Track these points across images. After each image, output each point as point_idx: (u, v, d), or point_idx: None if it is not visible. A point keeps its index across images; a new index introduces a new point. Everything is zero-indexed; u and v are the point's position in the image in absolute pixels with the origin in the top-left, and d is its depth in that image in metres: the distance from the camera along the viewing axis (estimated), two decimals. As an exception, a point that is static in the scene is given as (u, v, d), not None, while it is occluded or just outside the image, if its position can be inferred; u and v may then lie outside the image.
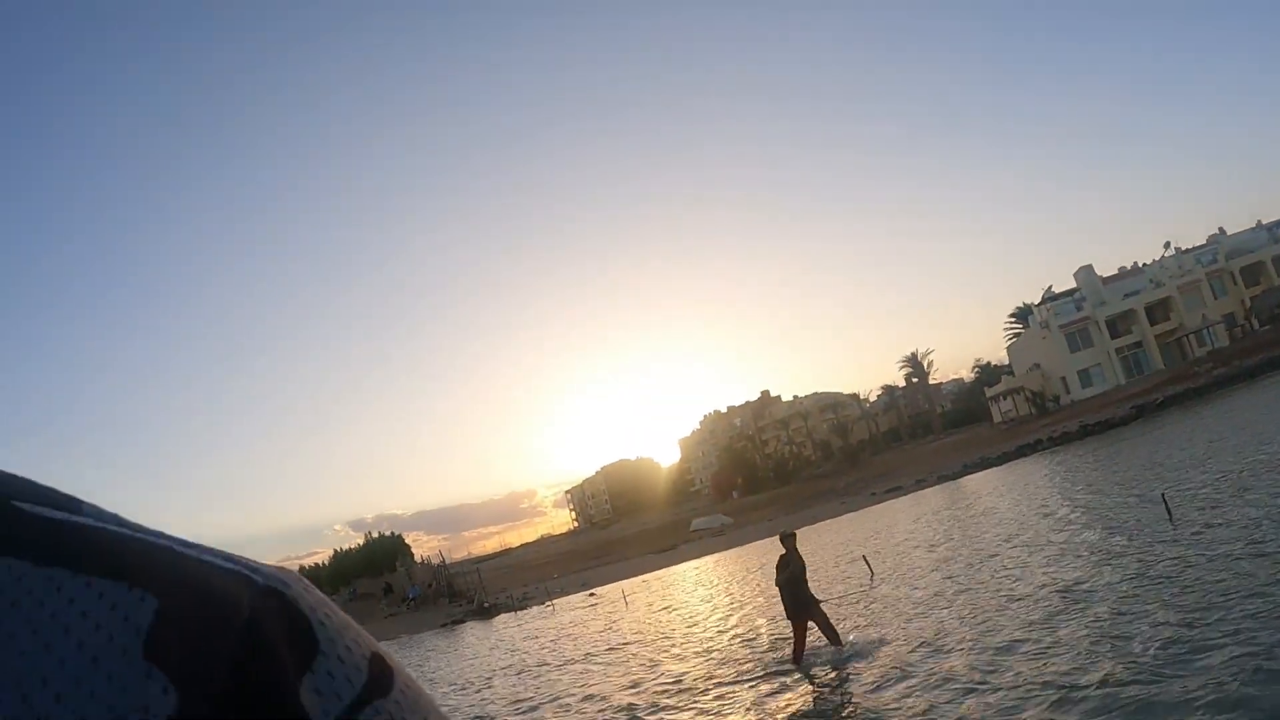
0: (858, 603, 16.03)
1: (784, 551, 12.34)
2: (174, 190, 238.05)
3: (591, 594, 43.14)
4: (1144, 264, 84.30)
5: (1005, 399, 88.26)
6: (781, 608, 12.58)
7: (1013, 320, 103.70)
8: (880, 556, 21.61)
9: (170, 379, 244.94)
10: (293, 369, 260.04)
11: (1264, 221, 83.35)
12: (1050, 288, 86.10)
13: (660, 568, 50.96)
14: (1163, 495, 16.09)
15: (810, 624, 12.08)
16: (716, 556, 48.89)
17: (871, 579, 18.34)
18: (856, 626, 13.46)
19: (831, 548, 29.84)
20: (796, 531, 13.26)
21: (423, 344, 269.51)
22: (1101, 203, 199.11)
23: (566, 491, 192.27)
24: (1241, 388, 48.39)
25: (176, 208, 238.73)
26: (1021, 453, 58.04)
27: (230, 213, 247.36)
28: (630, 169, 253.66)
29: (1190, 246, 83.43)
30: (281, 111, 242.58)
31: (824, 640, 12.11)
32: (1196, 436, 29.45)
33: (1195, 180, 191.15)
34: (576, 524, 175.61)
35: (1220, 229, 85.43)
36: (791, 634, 12.23)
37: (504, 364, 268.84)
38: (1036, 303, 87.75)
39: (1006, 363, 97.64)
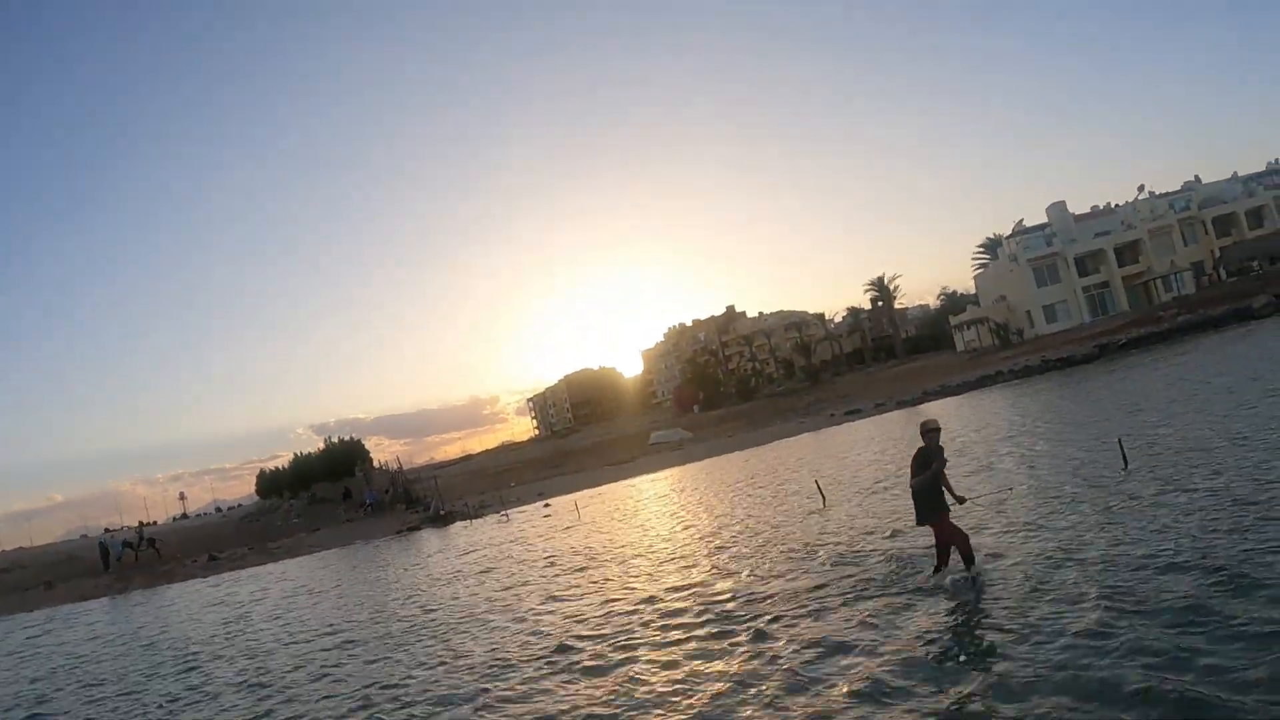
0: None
1: (922, 445, 10.51)
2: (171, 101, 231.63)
3: (546, 504, 43.27)
4: (1117, 205, 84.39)
5: (969, 328, 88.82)
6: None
7: (982, 251, 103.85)
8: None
9: (148, 279, 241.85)
10: (263, 271, 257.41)
11: (1240, 174, 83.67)
12: (1021, 221, 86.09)
13: (617, 480, 51.18)
14: (1119, 440, 16.17)
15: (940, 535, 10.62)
16: (678, 470, 49.08)
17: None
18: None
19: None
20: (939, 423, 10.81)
21: (392, 250, 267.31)
22: (1080, 141, 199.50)
23: (529, 399, 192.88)
24: (1204, 336, 48.79)
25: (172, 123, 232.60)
26: (982, 383, 58.48)
27: (213, 121, 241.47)
28: (605, 79, 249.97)
29: (1165, 192, 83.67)
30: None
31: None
32: (1156, 380, 29.68)
33: (1175, 127, 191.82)
34: (538, 431, 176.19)
35: (1196, 177, 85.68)
36: (935, 543, 10.83)
37: (472, 269, 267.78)
38: (1007, 235, 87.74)
39: (973, 292, 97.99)
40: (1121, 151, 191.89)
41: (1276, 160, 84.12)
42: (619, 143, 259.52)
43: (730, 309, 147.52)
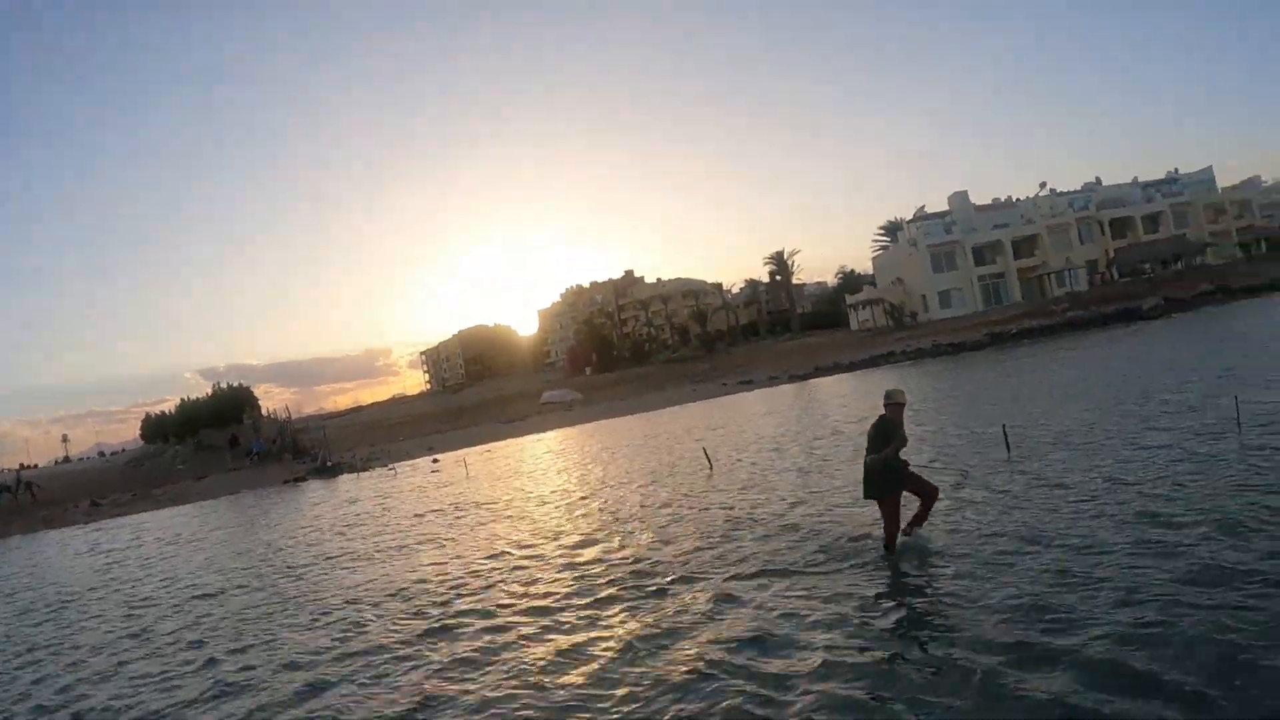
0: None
1: (884, 415, 9.58)
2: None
3: (435, 460, 42.57)
4: (1018, 199, 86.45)
5: (865, 308, 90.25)
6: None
7: (882, 233, 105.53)
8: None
9: (31, 212, 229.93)
10: (156, 210, 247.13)
11: (1140, 179, 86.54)
12: (923, 207, 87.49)
13: (508, 438, 50.75)
14: (1003, 427, 16.30)
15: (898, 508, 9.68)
16: (568, 430, 48.87)
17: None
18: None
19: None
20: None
21: (289, 193, 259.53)
22: (985, 133, 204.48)
23: (422, 352, 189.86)
24: (1093, 332, 50.19)
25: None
26: (874, 362, 59.45)
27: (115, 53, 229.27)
28: (510, 41, 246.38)
29: (1065, 190, 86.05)
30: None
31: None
32: (1044, 371, 30.31)
33: (1081, 129, 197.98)
34: (430, 385, 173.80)
35: (1097, 179, 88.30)
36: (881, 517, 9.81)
37: (373, 218, 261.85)
38: (908, 220, 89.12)
39: (871, 273, 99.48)
40: (1026, 147, 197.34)
41: (1176, 170, 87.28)
42: (525, 104, 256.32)
43: (629, 273, 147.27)
